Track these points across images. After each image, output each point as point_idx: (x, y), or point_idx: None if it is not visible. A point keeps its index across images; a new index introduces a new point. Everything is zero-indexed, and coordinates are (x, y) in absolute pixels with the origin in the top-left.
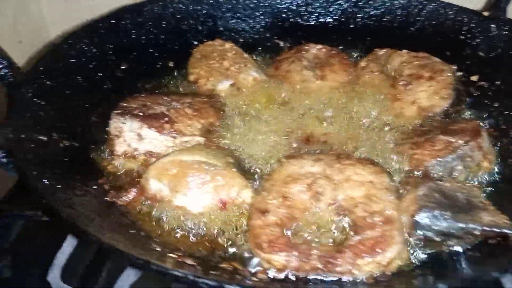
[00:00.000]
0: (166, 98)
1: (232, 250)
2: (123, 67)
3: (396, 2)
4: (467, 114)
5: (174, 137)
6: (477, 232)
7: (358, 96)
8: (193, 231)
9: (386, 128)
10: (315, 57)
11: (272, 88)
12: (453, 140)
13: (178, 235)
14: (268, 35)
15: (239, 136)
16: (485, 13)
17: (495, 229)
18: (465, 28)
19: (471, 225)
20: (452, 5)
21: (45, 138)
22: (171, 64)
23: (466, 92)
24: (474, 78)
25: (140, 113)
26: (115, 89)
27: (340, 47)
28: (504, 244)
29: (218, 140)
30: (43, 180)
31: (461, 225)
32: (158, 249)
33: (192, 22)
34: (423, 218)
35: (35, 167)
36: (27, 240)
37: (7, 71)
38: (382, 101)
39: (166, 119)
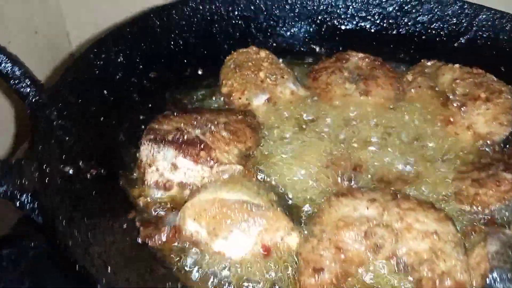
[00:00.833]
0: (199, 117)
1: None
2: (151, 76)
3: (446, 8)
4: None
5: (211, 167)
6: None
7: (406, 115)
8: (234, 281)
9: (440, 157)
10: (356, 67)
11: (312, 103)
12: None
13: (216, 285)
14: (303, 39)
15: (279, 164)
16: None
17: None
18: None
19: None
20: (509, 15)
21: (72, 170)
22: (200, 71)
23: None
24: None
25: (175, 139)
26: (143, 102)
27: (382, 56)
28: None
29: (256, 168)
30: (74, 232)
31: None
32: None
33: (223, 24)
34: (497, 280)
35: (63, 213)
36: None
37: (29, 89)
38: (433, 122)
39: (202, 145)
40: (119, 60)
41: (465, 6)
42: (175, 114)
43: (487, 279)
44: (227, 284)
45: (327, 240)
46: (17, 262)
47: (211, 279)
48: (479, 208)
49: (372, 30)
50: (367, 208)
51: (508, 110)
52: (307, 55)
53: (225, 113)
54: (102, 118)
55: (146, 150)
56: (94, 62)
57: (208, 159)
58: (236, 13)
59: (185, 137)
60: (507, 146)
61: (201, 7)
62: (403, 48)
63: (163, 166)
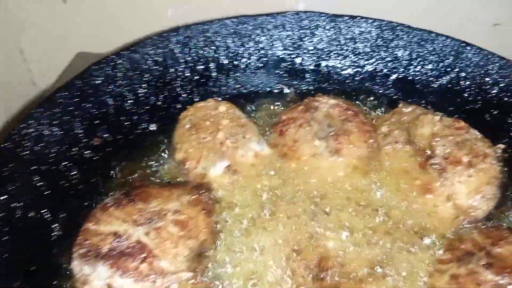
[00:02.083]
0: (143, 209)
1: None
2: (95, 143)
3: (426, 43)
4: None
5: (154, 281)
6: None
7: (380, 181)
8: None
9: (417, 241)
10: (327, 116)
11: (277, 169)
12: (502, 282)
13: None
14: (270, 79)
15: (234, 264)
16: None
17: None
18: None
19: None
20: (496, 55)
21: None
22: (153, 127)
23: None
24: None
25: (110, 252)
26: (84, 178)
27: (355, 97)
28: None
29: (208, 274)
30: None
31: None
32: None
33: (179, 69)
34: None
35: None
36: None
37: None
38: (409, 189)
39: (144, 255)
40: (54, 133)
41: (447, 43)
42: (116, 204)
43: None
44: None
45: None
46: None
47: None
48: None
49: (345, 67)
50: None
51: (493, 180)
52: (275, 98)
53: (176, 194)
54: (32, 215)
55: (77, 267)
56: (21, 144)
57: (151, 272)
58: (194, 54)
59: (123, 245)
60: (491, 221)
61: (151, 52)
62: (378, 87)
63: (98, 286)
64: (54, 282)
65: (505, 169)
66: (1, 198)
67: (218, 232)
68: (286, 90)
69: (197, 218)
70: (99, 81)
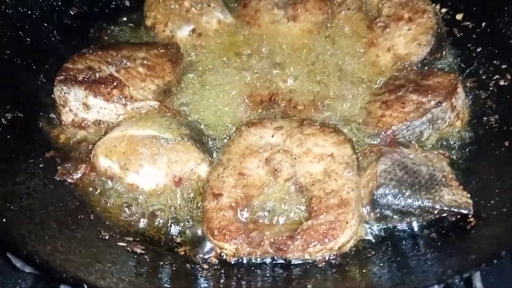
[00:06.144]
0: (115, 54)
1: (185, 230)
2: (73, 12)
3: None
4: (447, 61)
5: (125, 104)
6: (435, 211)
7: (331, 40)
8: (146, 210)
9: (358, 81)
10: None
11: (238, 33)
12: (424, 100)
13: (129, 216)
14: None
15: (198, 98)
16: None
17: (454, 209)
18: None
19: (430, 204)
20: None
21: None
22: (127, 2)
23: (449, 32)
24: (459, 16)
25: (86, 79)
26: (64, 40)
27: None
28: (462, 225)
29: (173, 103)
30: None
31: (420, 203)
32: (107, 237)
33: None
34: (382, 196)
35: None
36: None
37: None
38: (357, 46)
39: (115, 83)
40: None
41: None
42: (91, 51)
43: (374, 196)
44: (142, 213)
45: (232, 167)
46: None
47: (124, 209)
48: (383, 129)
49: None
50: (272, 136)
51: (429, 30)
52: None
53: (145, 48)
54: (19, 62)
55: (57, 92)
56: (5, 3)
57: (121, 97)
58: None
59: (97, 76)
60: (426, 67)
61: None
62: None
63: (75, 106)
64: (42, 113)
65: (445, 28)
66: None
67: (185, 77)
68: None
69: (164, 65)
70: None
